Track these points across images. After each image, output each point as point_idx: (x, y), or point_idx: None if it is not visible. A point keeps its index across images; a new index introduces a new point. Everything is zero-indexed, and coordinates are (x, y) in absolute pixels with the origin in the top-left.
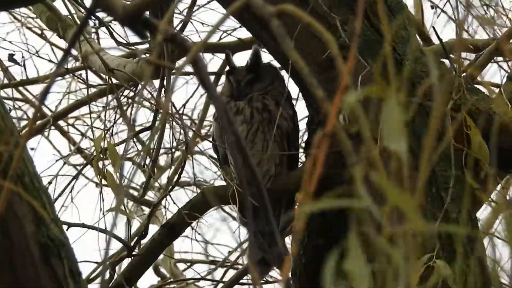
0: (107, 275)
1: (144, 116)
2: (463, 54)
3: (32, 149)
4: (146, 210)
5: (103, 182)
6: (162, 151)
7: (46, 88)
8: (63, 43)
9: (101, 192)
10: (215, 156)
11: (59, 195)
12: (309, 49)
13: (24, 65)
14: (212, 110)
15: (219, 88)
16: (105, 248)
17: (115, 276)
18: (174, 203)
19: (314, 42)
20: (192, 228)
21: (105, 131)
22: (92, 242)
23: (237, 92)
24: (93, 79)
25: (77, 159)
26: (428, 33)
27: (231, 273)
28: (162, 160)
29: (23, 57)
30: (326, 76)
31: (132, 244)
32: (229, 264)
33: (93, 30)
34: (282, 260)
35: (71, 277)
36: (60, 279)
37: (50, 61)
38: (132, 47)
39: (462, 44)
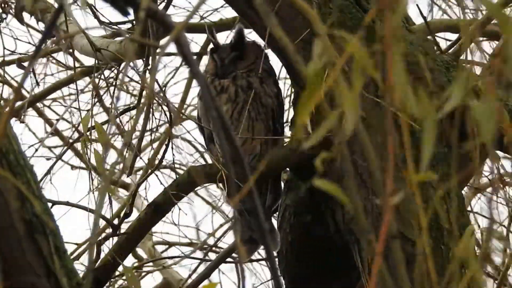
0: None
1: (124, 100)
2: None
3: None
4: (124, 192)
5: (83, 164)
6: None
7: (27, 70)
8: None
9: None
10: (197, 139)
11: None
12: (294, 25)
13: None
14: (194, 91)
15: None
16: (92, 227)
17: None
18: (161, 183)
19: (299, 18)
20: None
21: (92, 111)
22: (70, 222)
23: (221, 70)
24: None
25: (54, 141)
26: (408, 14)
27: (211, 256)
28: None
29: None
30: (311, 52)
31: (117, 224)
32: (207, 246)
33: (76, 10)
34: (267, 238)
35: (56, 253)
36: (45, 256)
37: (29, 43)
38: (115, 27)
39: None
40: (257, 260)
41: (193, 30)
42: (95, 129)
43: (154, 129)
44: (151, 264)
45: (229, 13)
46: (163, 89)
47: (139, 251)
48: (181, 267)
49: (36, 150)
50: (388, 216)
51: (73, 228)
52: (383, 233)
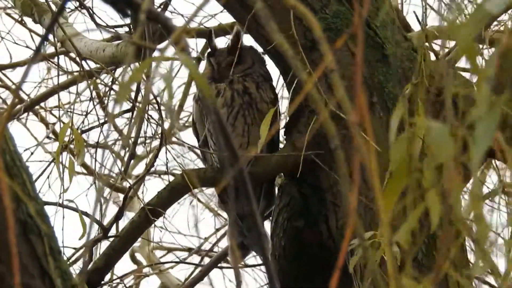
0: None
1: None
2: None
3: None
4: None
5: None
6: (139, 140)
7: (24, 73)
8: (39, 28)
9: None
10: (193, 144)
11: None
12: (290, 31)
13: None
14: (190, 96)
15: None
16: (88, 230)
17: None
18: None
19: (295, 24)
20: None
21: (72, 119)
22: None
23: (217, 74)
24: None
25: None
26: (407, 21)
27: (207, 260)
28: (139, 151)
29: None
30: (308, 58)
31: (108, 227)
32: (205, 251)
33: (71, 13)
34: (262, 243)
35: (51, 255)
36: (40, 257)
37: (27, 47)
38: (112, 30)
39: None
40: (253, 266)
41: (192, 35)
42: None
43: (153, 135)
44: (148, 269)
45: (227, 18)
46: (160, 93)
47: (138, 256)
48: (180, 272)
49: (32, 153)
50: (353, 219)
51: (69, 232)
52: (347, 235)
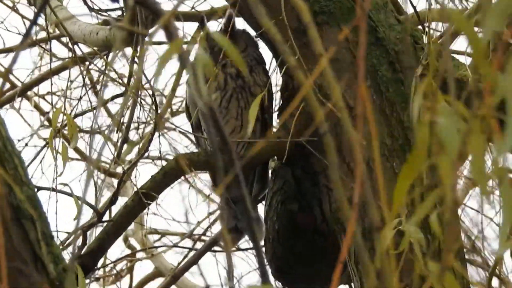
0: (79, 242)
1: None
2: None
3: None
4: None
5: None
6: (132, 125)
7: (14, 57)
8: (32, 15)
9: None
10: (186, 129)
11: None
12: (283, 14)
13: None
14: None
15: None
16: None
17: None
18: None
19: (288, 7)
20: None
21: (65, 104)
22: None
23: (210, 58)
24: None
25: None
26: (400, 3)
27: (200, 245)
28: (132, 137)
29: None
30: (300, 41)
31: (102, 211)
32: (198, 235)
33: None
34: (251, 227)
35: (43, 239)
36: (32, 242)
37: (19, 33)
38: (105, 14)
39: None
40: (245, 250)
41: (183, 19)
42: (67, 123)
43: (146, 120)
44: (142, 253)
45: (220, 2)
46: (153, 78)
47: (131, 240)
48: (175, 255)
49: (26, 144)
50: (355, 211)
51: (62, 216)
52: (350, 228)
